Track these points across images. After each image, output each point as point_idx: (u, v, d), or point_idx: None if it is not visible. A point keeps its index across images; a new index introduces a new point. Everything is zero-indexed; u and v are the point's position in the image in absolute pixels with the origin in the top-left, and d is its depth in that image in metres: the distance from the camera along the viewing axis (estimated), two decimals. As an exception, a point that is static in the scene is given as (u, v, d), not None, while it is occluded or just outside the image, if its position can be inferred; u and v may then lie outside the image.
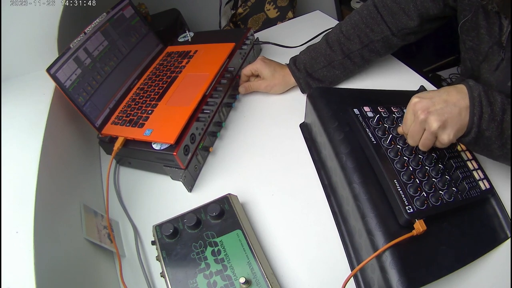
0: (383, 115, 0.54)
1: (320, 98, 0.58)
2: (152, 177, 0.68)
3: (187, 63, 0.77)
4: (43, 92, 0.62)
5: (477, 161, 0.53)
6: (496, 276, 0.46)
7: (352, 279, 0.47)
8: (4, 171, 0.47)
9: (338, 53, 0.70)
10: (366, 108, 0.55)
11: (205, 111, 0.66)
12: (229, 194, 0.55)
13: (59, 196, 0.52)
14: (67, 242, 0.48)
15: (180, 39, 0.88)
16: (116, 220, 0.62)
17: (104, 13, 0.73)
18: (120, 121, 0.68)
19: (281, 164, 0.64)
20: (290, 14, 1.33)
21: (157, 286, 0.53)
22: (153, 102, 0.69)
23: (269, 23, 1.32)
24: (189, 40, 0.87)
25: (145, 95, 0.72)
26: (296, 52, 0.76)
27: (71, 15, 0.72)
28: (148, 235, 0.58)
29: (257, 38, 0.89)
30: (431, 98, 0.45)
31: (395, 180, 0.46)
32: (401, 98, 0.55)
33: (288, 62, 0.75)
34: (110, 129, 0.67)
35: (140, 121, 0.66)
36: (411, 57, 1.63)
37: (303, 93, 0.75)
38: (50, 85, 0.63)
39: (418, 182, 0.46)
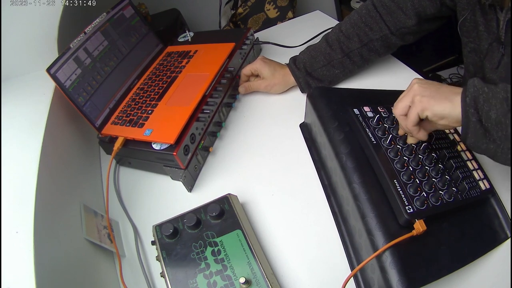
0: (383, 115, 0.54)
1: (320, 98, 0.58)
2: (152, 177, 0.68)
3: (187, 63, 0.77)
4: (43, 92, 0.62)
5: (477, 161, 0.53)
6: (496, 276, 0.46)
7: (352, 279, 0.47)
8: (4, 171, 0.47)
9: (337, 52, 0.70)
10: (366, 108, 0.55)
11: (205, 111, 0.66)
12: (229, 194, 0.55)
13: (59, 196, 0.52)
14: (67, 242, 0.48)
15: (180, 39, 0.88)
16: (116, 220, 0.62)
17: (104, 13, 0.73)
18: (120, 121, 0.68)
19: (281, 164, 0.64)
20: (290, 14, 1.33)
21: (157, 286, 0.53)
22: (153, 102, 0.69)
23: (269, 23, 1.33)
24: (189, 40, 0.87)
25: (145, 95, 0.72)
26: (296, 52, 0.76)
27: (71, 15, 0.73)
28: (148, 235, 0.58)
29: (257, 38, 0.89)
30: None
31: (395, 180, 0.46)
32: (401, 98, 0.55)
33: (288, 62, 0.75)
34: (110, 129, 0.68)
35: (140, 121, 0.66)
36: (411, 57, 1.62)
37: (302, 92, 0.75)
38: (50, 85, 0.63)
39: (418, 182, 0.46)
